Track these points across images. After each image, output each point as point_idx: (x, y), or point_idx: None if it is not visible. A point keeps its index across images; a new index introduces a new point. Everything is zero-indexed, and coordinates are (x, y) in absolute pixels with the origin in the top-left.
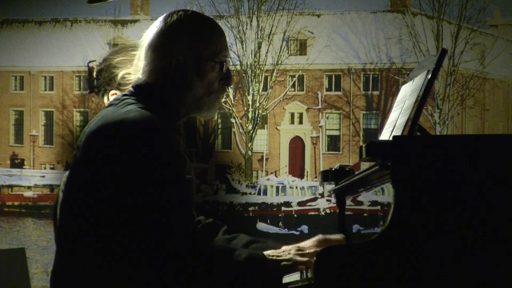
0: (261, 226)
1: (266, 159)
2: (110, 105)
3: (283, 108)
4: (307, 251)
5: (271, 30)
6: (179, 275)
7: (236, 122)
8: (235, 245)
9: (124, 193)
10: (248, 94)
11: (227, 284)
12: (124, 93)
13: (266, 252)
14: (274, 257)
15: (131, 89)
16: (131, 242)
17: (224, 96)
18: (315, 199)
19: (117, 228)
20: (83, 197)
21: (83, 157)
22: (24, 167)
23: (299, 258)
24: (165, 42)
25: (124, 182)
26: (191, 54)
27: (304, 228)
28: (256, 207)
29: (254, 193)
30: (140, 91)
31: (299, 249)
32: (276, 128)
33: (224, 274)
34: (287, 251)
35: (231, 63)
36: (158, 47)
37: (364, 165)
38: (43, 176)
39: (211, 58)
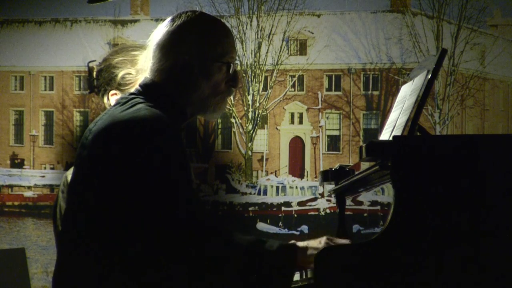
0: (261, 226)
1: (266, 159)
2: (117, 104)
3: (283, 108)
4: (338, 241)
5: (271, 30)
6: (205, 273)
7: (236, 122)
8: (253, 237)
9: (133, 193)
10: (248, 94)
11: (259, 275)
12: (132, 92)
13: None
14: (304, 245)
15: (138, 88)
16: (140, 242)
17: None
18: (315, 199)
19: (126, 228)
20: (89, 196)
21: (91, 156)
22: (24, 167)
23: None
24: (172, 42)
25: (133, 182)
26: (197, 55)
27: (304, 228)
28: (256, 207)
29: (254, 193)
30: (147, 91)
31: (329, 239)
32: (276, 128)
33: (258, 264)
34: (318, 240)
35: (238, 65)
36: (165, 47)
37: (364, 165)
38: (43, 176)
39: (218, 59)
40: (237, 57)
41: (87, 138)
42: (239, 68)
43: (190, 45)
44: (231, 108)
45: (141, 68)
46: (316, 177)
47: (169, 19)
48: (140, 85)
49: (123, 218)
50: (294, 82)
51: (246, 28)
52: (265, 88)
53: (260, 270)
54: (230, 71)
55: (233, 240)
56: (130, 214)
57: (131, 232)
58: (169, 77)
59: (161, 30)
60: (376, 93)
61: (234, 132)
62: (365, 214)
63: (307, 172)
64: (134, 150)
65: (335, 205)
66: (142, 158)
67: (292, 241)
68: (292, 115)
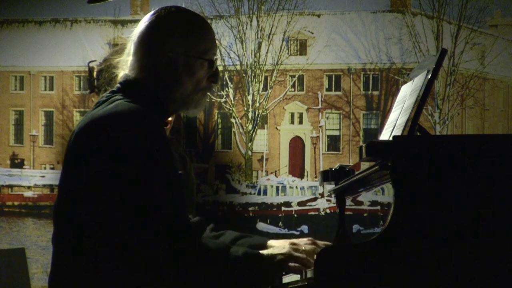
0: (261, 226)
1: (266, 159)
2: (97, 103)
3: (283, 108)
4: (302, 247)
5: (271, 30)
6: (176, 274)
7: (236, 122)
8: (222, 242)
9: (114, 189)
10: (248, 94)
11: (224, 282)
12: (112, 89)
13: (262, 251)
14: (269, 253)
15: (118, 85)
16: (123, 240)
17: (224, 96)
18: (315, 199)
19: (108, 227)
20: (74, 197)
21: (73, 156)
22: (24, 167)
23: (294, 253)
24: (156, 38)
25: (113, 177)
26: (182, 51)
27: (304, 228)
28: (256, 207)
29: (254, 193)
30: (128, 87)
31: (293, 244)
32: (276, 128)
33: (221, 272)
34: (281, 246)
35: (219, 62)
36: (149, 43)
37: (364, 165)
38: (43, 176)
39: (201, 56)
40: (236, 57)
41: (71, 140)
42: (238, 67)
43: (174, 42)
44: (231, 108)
45: (123, 63)
46: (316, 177)
47: (149, 14)
48: (120, 82)
49: (105, 216)
50: (294, 82)
51: (246, 28)
52: (265, 88)
53: (225, 279)
54: (212, 68)
55: (201, 247)
56: (110, 212)
57: (113, 229)
58: (152, 73)
59: (143, 25)
60: (376, 93)
61: (234, 132)
62: (365, 214)
63: (307, 172)
64: (112, 144)
65: (335, 205)
66: (121, 152)
67: (256, 251)
68: (292, 115)
